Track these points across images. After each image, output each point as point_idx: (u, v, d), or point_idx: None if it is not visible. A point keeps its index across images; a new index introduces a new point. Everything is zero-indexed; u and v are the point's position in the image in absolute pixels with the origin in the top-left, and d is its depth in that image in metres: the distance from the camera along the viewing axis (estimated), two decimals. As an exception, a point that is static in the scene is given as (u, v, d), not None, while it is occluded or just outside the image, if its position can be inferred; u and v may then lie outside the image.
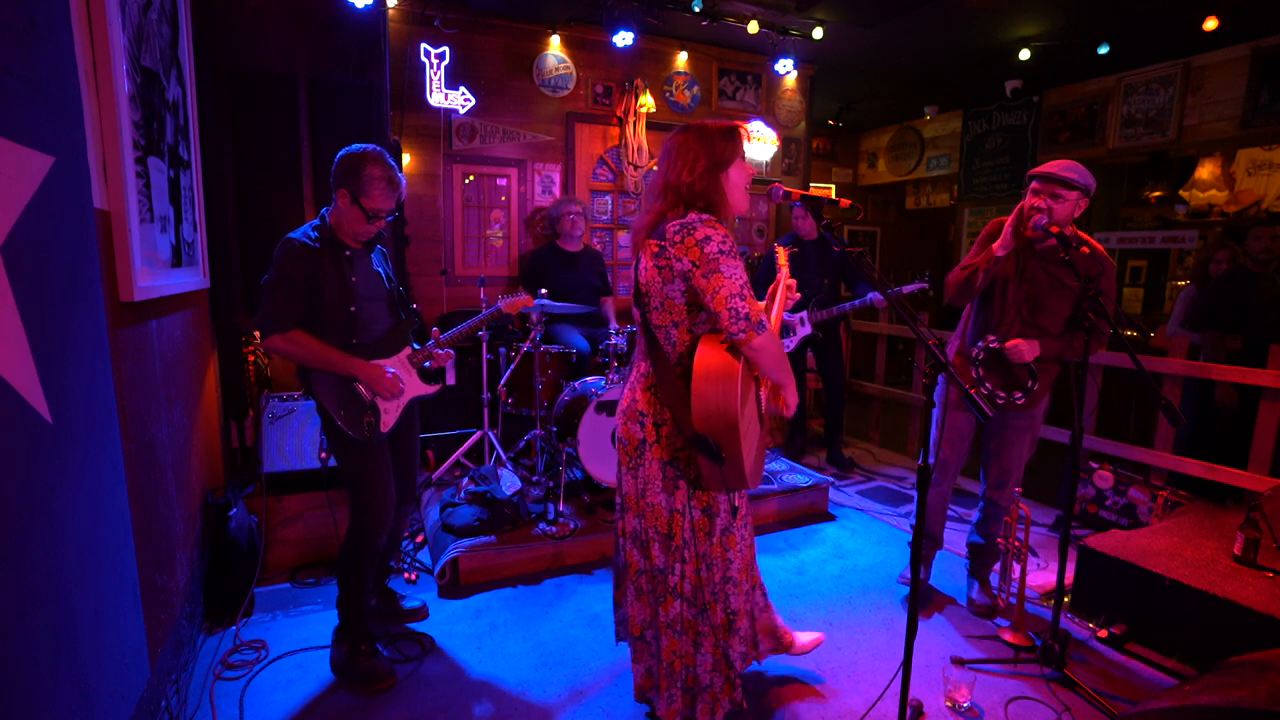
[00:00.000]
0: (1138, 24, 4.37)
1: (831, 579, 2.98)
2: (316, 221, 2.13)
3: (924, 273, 3.91)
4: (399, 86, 3.96)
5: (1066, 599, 2.68)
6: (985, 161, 6.41)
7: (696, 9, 4.22)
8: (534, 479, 3.40)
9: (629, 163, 4.77)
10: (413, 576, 2.87)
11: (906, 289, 3.83)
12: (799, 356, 4.22)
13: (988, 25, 4.54)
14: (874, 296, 4.00)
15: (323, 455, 2.97)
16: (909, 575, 1.76)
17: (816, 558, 3.20)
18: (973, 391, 1.59)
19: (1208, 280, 3.74)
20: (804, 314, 4.08)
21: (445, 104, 4.10)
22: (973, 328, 2.60)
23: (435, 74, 4.04)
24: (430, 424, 3.90)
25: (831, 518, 3.69)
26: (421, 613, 2.59)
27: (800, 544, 3.34)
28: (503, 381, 3.65)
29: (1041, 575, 3.01)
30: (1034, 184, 2.35)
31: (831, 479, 3.86)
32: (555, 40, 4.44)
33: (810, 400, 5.29)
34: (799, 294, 2.06)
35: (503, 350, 3.81)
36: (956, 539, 3.12)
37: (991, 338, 2.48)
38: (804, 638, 2.25)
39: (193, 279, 2.44)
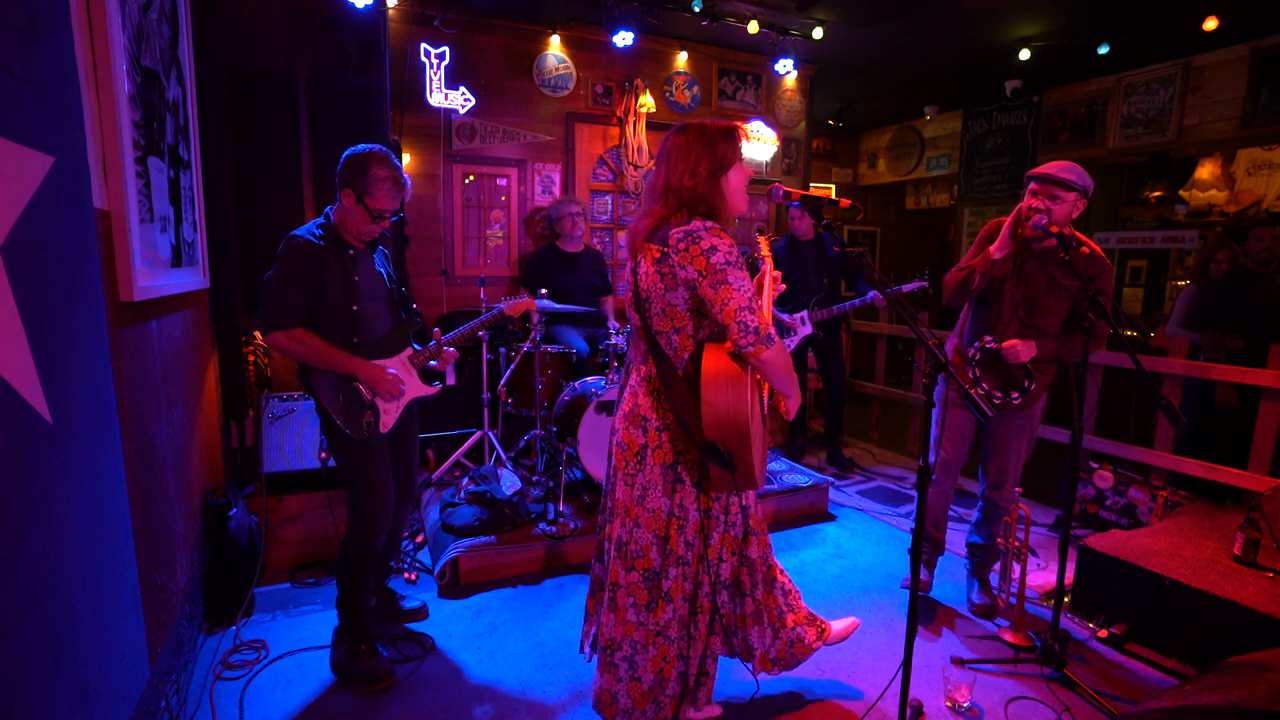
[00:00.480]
0: (1138, 24, 4.37)
1: (831, 579, 2.98)
2: (320, 220, 2.13)
3: (924, 271, 3.91)
4: (399, 86, 3.96)
5: (1066, 599, 2.68)
6: (985, 161, 6.40)
7: (696, 9, 4.22)
8: (534, 479, 3.40)
9: (629, 163, 4.77)
10: (413, 576, 2.87)
11: (906, 288, 3.84)
12: (800, 356, 4.22)
13: (988, 25, 4.54)
14: (874, 295, 4.00)
15: (323, 455, 2.97)
16: (910, 579, 1.76)
17: (817, 558, 3.20)
18: (971, 391, 1.59)
19: (1208, 280, 3.74)
20: (804, 314, 4.08)
21: (445, 104, 4.10)
22: (970, 328, 2.60)
23: (435, 74, 4.04)
24: (430, 424, 3.90)
25: (831, 518, 3.69)
26: (421, 613, 2.59)
27: (800, 544, 3.34)
28: (503, 381, 3.65)
29: (1041, 575, 3.01)
30: (1032, 185, 2.35)
31: (831, 479, 3.86)
32: (555, 40, 4.44)
33: (810, 400, 5.29)
34: (783, 285, 2.05)
35: (503, 350, 3.81)
36: (957, 539, 3.12)
37: (988, 338, 2.48)
38: (838, 625, 2.20)
39: (193, 279, 2.44)
